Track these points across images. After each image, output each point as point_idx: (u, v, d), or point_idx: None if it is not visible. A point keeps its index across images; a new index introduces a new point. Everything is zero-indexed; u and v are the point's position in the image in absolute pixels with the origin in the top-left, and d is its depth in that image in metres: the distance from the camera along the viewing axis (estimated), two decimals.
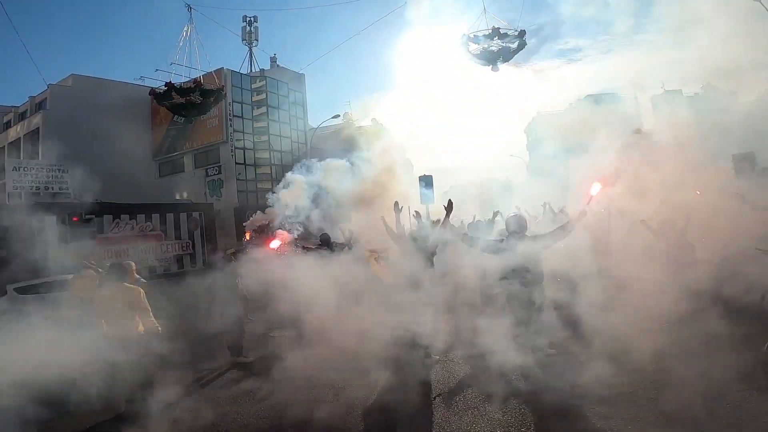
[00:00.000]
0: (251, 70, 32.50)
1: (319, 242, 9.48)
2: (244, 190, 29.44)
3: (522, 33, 14.81)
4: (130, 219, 22.08)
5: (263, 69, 32.76)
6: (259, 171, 29.82)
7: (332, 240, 9.38)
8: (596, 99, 36.10)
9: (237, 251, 10.44)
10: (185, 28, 25.67)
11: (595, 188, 6.43)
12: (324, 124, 30.91)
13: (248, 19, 32.12)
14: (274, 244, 9.47)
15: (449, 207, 6.72)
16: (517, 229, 6.07)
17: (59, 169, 22.67)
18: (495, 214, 9.61)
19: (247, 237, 10.00)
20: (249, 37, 32.64)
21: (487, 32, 14.80)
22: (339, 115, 28.70)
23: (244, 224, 10.23)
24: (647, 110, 37.25)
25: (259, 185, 29.22)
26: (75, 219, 16.61)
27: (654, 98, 39.64)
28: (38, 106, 30.29)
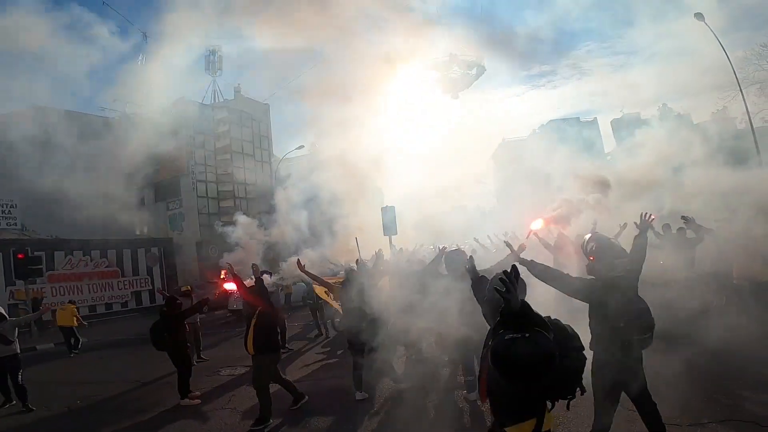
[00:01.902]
0: (214, 100, 31.90)
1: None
2: (207, 224, 28.55)
3: (480, 58, 14.87)
4: (84, 255, 21.11)
5: (227, 99, 32.24)
6: (222, 204, 28.96)
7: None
8: (559, 124, 37.12)
9: (192, 288, 9.88)
10: (140, 57, 25.14)
11: (537, 223, 6.19)
12: (289, 155, 30.53)
13: (211, 48, 31.70)
14: (229, 286, 9.01)
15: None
16: (453, 269, 5.70)
17: (6, 204, 21.48)
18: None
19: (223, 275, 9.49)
20: (212, 67, 32.12)
21: (445, 59, 14.79)
22: (303, 146, 28.37)
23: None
24: (607, 134, 38.28)
25: (223, 219, 28.38)
26: (20, 256, 15.58)
27: (614, 121, 41.00)
28: None
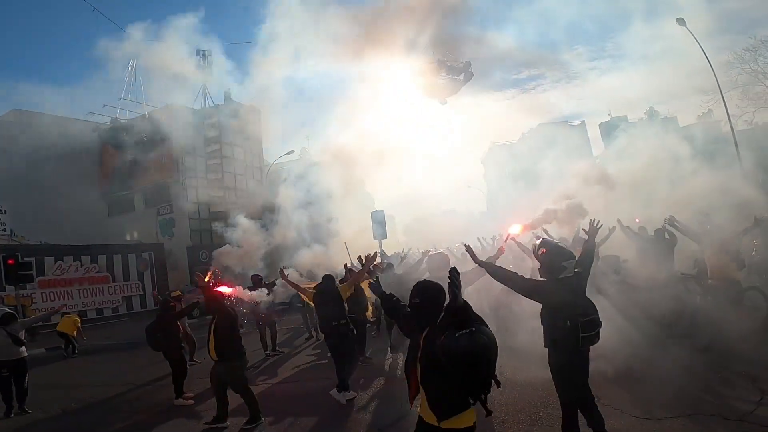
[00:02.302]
0: (205, 105, 31.80)
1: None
2: (198, 229, 28.58)
3: (468, 64, 14.97)
4: (74, 260, 21.14)
5: (217, 104, 32.15)
6: (212, 209, 28.93)
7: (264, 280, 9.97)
8: (548, 128, 37.48)
9: (182, 294, 10.07)
10: (130, 63, 25.17)
11: (515, 228, 6.42)
12: (280, 160, 30.55)
13: (202, 52, 31.53)
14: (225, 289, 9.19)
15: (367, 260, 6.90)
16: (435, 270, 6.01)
17: None
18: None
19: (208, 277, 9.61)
20: (202, 71, 31.94)
21: (432, 65, 14.90)
22: (293, 151, 28.50)
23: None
24: (596, 137, 38.67)
25: (214, 224, 28.41)
26: (11, 262, 15.59)
27: (602, 125, 41.46)
28: None
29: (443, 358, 2.48)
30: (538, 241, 4.55)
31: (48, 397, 7.62)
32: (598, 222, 4.82)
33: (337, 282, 7.63)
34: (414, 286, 2.97)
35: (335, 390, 6.34)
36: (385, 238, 17.95)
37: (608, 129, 34.28)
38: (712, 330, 6.33)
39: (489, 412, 2.60)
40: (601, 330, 4.07)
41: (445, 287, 2.72)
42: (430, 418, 2.71)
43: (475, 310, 2.59)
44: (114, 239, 25.43)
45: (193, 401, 7.11)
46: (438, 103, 16.07)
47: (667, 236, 8.47)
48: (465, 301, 2.57)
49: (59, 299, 19.44)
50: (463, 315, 2.53)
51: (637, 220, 9.20)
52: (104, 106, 29.45)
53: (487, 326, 2.55)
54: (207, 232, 27.73)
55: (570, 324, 3.90)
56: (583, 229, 4.88)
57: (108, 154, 29.54)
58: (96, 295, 21.52)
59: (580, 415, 4.08)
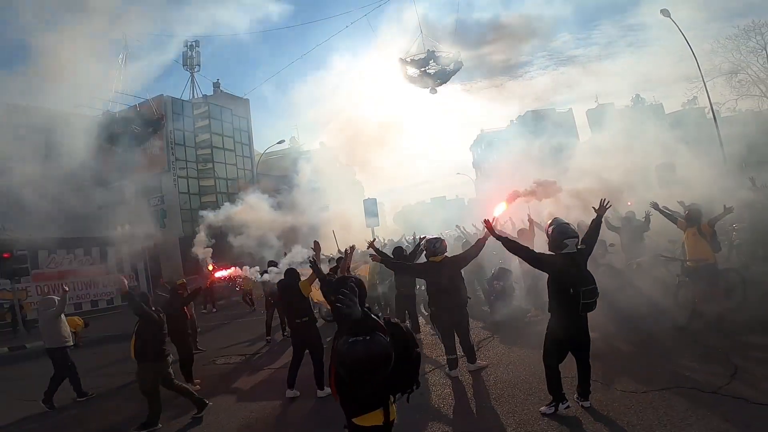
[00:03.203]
0: (193, 96, 31.76)
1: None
2: (189, 220, 28.64)
3: (457, 55, 15.26)
4: (68, 253, 21.20)
5: (206, 95, 32.13)
6: (203, 199, 29.02)
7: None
8: (536, 115, 37.84)
9: (186, 282, 10.32)
10: (120, 56, 25.03)
11: (499, 209, 6.93)
12: (270, 150, 30.64)
13: (189, 43, 31.44)
14: (221, 273, 9.53)
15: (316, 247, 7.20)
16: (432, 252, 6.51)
17: None
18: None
19: (212, 267, 9.92)
20: (190, 62, 31.87)
21: (422, 56, 15.17)
22: (284, 141, 28.61)
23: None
24: (582, 123, 39.05)
25: (202, 212, 28.44)
26: (6, 255, 15.69)
27: (589, 111, 41.90)
28: None
29: (337, 361, 2.55)
30: (550, 221, 5.14)
31: (63, 385, 7.81)
32: (608, 201, 5.40)
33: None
34: (335, 282, 3.12)
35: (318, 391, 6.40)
36: (378, 225, 18.30)
37: (595, 116, 34.70)
38: (692, 310, 6.75)
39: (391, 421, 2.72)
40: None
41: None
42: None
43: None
44: (106, 231, 25.41)
45: (199, 387, 7.37)
46: (428, 92, 16.33)
47: (640, 221, 8.97)
48: (364, 310, 2.55)
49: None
50: (360, 323, 2.51)
51: (629, 203, 9.55)
52: (92, 98, 29.10)
53: (385, 335, 2.50)
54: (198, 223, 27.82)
55: (573, 291, 4.50)
56: (593, 207, 5.41)
57: (98, 145, 29.37)
58: (91, 288, 21.61)
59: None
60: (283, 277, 7.24)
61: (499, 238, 5.42)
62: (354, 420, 2.70)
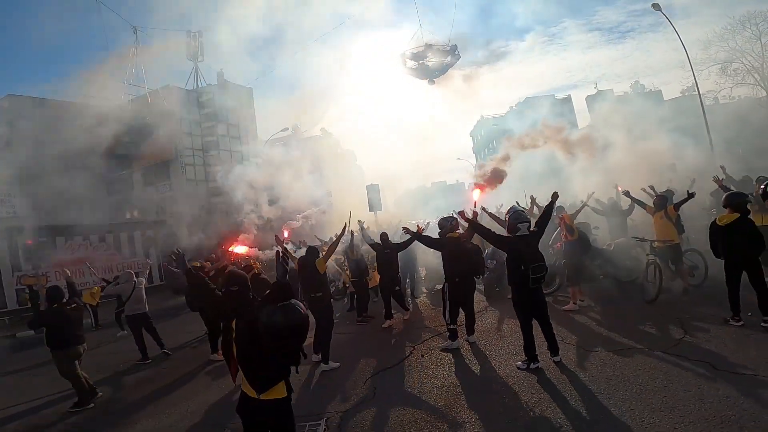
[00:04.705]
0: (197, 86, 32.29)
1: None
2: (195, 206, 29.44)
3: (454, 47, 15.89)
4: (84, 240, 22.09)
5: (210, 84, 32.67)
6: (210, 186, 29.81)
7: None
8: (535, 101, 38.32)
9: (209, 260, 11.04)
10: (131, 50, 25.67)
11: (476, 194, 8.21)
12: (274, 137, 31.29)
13: (192, 34, 31.81)
14: (239, 249, 10.11)
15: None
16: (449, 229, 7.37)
17: (6, 194, 22.25)
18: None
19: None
20: (194, 52, 32.27)
21: (421, 49, 15.78)
22: (288, 128, 29.26)
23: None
24: (581, 109, 39.48)
25: (212, 200, 29.28)
26: (29, 242, 16.60)
27: (588, 98, 42.36)
28: None
29: (262, 329, 2.76)
30: (508, 208, 6.30)
31: (95, 361, 8.62)
32: (556, 195, 6.34)
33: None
34: (228, 276, 3.78)
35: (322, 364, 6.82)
36: (381, 210, 19.01)
37: (594, 102, 35.19)
38: (658, 285, 7.59)
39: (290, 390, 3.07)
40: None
41: None
42: (251, 392, 3.00)
43: None
44: (116, 219, 26.24)
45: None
46: (426, 83, 16.99)
47: (624, 207, 9.86)
48: (287, 280, 2.99)
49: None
50: (284, 291, 2.86)
51: (619, 188, 10.30)
52: (102, 89, 29.68)
53: (301, 303, 2.86)
54: (204, 209, 28.64)
55: (524, 268, 5.44)
56: (551, 196, 6.32)
57: (105, 135, 30.05)
58: (106, 273, 22.48)
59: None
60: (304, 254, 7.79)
61: (468, 221, 6.62)
62: (262, 396, 2.96)
